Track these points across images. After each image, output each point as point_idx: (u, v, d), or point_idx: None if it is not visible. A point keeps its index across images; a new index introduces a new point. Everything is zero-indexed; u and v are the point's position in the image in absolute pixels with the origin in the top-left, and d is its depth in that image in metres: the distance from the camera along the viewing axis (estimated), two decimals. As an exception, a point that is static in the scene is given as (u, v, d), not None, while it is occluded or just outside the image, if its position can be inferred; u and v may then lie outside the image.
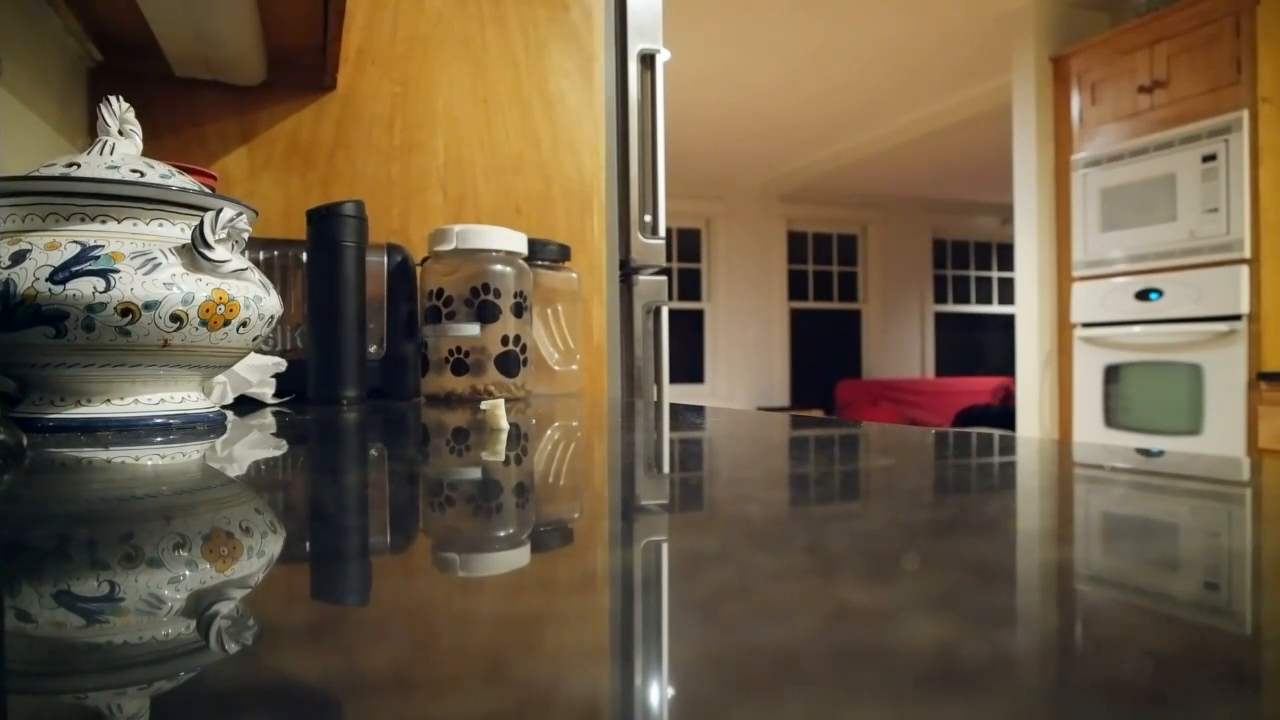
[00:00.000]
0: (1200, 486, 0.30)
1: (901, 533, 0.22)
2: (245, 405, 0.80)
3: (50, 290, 0.48)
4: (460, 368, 0.92)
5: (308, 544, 0.22)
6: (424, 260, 0.97)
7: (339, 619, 0.15)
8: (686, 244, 6.04)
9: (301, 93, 1.20)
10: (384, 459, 0.42)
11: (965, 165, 5.39)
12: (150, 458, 0.39)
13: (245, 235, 0.58)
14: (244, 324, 0.55)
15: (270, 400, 0.84)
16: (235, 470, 0.36)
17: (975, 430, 0.50)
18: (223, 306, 0.53)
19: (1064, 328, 3.05)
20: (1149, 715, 0.10)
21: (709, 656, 0.13)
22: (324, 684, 0.12)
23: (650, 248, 1.41)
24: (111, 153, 0.55)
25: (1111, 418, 2.82)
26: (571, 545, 0.21)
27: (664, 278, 1.44)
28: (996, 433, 0.47)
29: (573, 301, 1.13)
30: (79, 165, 0.52)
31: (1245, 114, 2.42)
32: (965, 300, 6.80)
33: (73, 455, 0.40)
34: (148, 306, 0.50)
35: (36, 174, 0.51)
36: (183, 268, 0.52)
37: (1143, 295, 2.71)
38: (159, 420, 0.53)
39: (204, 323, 0.52)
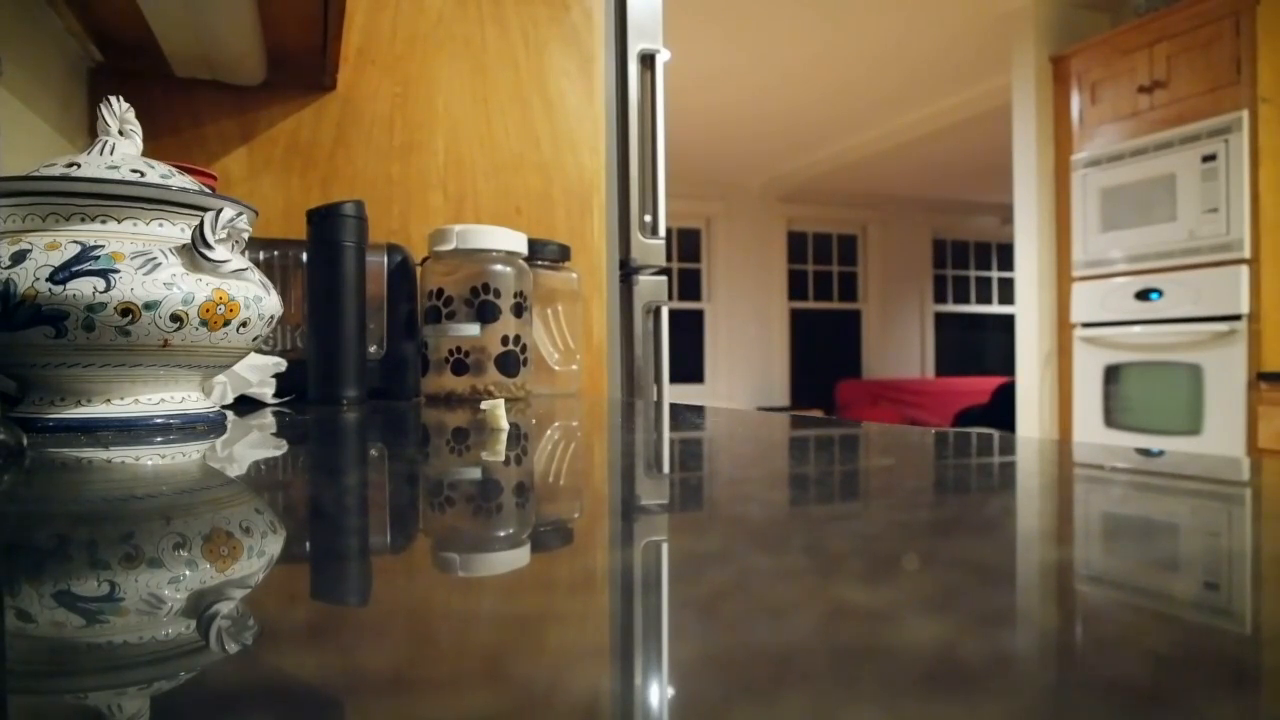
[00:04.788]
0: (1200, 486, 0.30)
1: (901, 533, 0.22)
2: (245, 405, 0.80)
3: (50, 290, 0.48)
4: (460, 368, 0.92)
5: (308, 544, 0.22)
6: (424, 260, 0.97)
7: (339, 619, 0.15)
8: (686, 244, 6.04)
9: (301, 93, 1.20)
10: (384, 459, 0.42)
11: (965, 165, 5.39)
12: (150, 458, 0.39)
13: (245, 235, 0.58)
14: (244, 324, 0.55)
15: (270, 400, 0.84)
16: (235, 470, 0.36)
17: (975, 430, 0.50)
18: (223, 306, 0.53)
19: (1064, 328, 3.05)
20: (1149, 715, 0.10)
21: (709, 656, 0.13)
22: (324, 684, 0.12)
23: (650, 248, 1.41)
24: (111, 153, 0.55)
25: (1111, 418, 2.82)
26: (571, 545, 0.21)
27: (664, 278, 1.43)
28: (996, 433, 0.47)
29: (573, 301, 1.13)
30: (79, 165, 0.52)
31: (1245, 114, 2.42)
32: (965, 300, 6.80)
33: (73, 455, 0.40)
34: (148, 306, 0.50)
35: (36, 174, 0.51)
36: (183, 268, 0.52)
37: (1143, 295, 2.71)
38: (159, 420, 0.53)
39: (204, 323, 0.52)
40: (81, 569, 0.18)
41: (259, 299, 0.56)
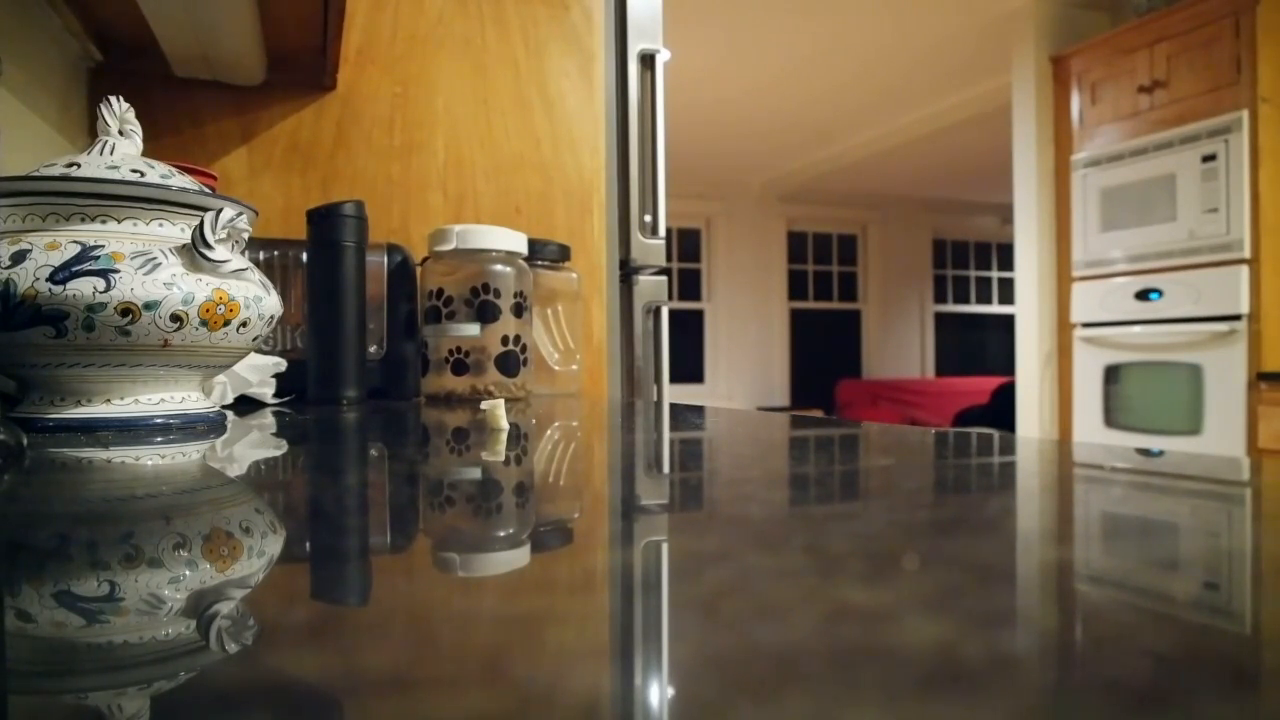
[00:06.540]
0: (1200, 486, 0.30)
1: (901, 533, 0.22)
2: (245, 405, 0.80)
3: (50, 290, 0.47)
4: (460, 368, 0.92)
5: (308, 544, 0.22)
6: (424, 260, 0.97)
7: (339, 619, 0.15)
8: (686, 244, 6.03)
9: (301, 93, 1.20)
10: (384, 459, 0.42)
11: (965, 165, 5.39)
12: (150, 458, 0.39)
13: (245, 235, 0.58)
14: (244, 324, 0.55)
15: (270, 400, 0.84)
16: (235, 470, 0.36)
17: (975, 430, 0.50)
18: (223, 306, 0.53)
19: (1064, 328, 3.05)
20: (1149, 715, 0.10)
21: (709, 656, 0.13)
22: (324, 684, 0.12)
23: (650, 248, 1.41)
24: (111, 153, 0.55)
25: (1111, 418, 2.82)
26: (571, 545, 0.21)
27: (664, 278, 1.43)
28: (996, 433, 0.47)
29: (573, 301, 1.13)
30: (79, 165, 0.52)
31: (1245, 114, 2.42)
32: (965, 300, 6.79)
33: (73, 455, 0.40)
34: (148, 306, 0.50)
35: (36, 174, 0.51)
36: (183, 268, 0.52)
37: (1143, 295, 2.71)
38: (159, 420, 0.53)
39: (204, 323, 0.52)
40: (81, 569, 0.18)
41: (259, 299, 0.56)
